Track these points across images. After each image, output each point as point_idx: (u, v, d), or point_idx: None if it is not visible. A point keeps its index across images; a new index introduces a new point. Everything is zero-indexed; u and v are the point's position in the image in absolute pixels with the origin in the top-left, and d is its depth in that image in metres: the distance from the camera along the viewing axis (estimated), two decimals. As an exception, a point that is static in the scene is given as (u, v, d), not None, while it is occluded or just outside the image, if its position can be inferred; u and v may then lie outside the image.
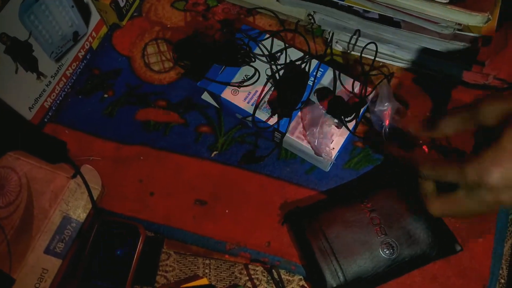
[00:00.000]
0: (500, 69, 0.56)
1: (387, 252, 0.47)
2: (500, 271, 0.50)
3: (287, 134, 0.51)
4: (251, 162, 0.54)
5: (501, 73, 0.56)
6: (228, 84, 0.53)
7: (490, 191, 0.37)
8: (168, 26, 0.62)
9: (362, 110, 0.52)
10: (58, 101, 0.57)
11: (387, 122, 0.51)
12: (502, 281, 0.50)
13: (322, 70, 0.54)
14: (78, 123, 0.57)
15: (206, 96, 0.57)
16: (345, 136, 0.51)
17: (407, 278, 0.49)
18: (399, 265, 0.47)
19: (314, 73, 0.54)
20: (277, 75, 0.54)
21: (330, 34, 0.59)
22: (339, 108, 0.51)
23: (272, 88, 0.53)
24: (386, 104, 0.51)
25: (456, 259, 0.50)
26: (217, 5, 0.63)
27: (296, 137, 0.51)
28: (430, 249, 0.47)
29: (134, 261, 0.48)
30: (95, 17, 0.57)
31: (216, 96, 0.54)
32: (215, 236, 0.52)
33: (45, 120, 0.56)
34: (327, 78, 0.54)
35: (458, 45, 0.53)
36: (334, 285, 0.46)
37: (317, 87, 0.53)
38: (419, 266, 0.48)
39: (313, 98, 0.53)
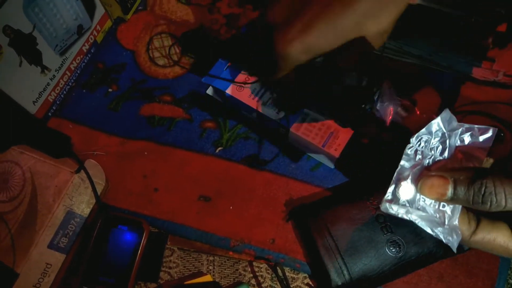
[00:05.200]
0: (510, 66, 0.55)
1: (393, 250, 0.46)
2: (509, 271, 0.49)
3: (293, 131, 0.50)
4: (254, 166, 0.54)
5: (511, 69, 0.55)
6: (233, 82, 0.52)
7: None
8: (173, 20, 0.62)
9: (367, 108, 0.51)
10: (62, 95, 0.56)
11: (387, 121, 0.50)
12: (511, 281, 0.49)
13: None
14: (82, 118, 0.56)
15: (210, 91, 0.57)
16: (351, 133, 0.50)
17: (414, 277, 0.48)
18: (405, 263, 0.46)
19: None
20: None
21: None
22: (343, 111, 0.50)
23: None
24: (386, 104, 0.50)
25: (463, 258, 0.49)
26: (223, -1, 0.63)
27: (301, 133, 0.50)
28: (437, 247, 0.47)
29: (137, 257, 0.48)
30: (99, 11, 0.57)
31: (221, 92, 0.54)
32: (219, 232, 0.51)
33: (49, 114, 0.55)
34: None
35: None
36: (339, 283, 0.46)
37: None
38: (426, 265, 0.47)
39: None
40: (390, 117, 0.51)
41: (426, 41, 0.56)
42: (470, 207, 0.27)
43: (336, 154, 0.49)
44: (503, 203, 0.25)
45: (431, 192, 0.27)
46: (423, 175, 0.28)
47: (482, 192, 0.26)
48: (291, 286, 0.49)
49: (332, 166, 0.53)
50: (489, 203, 0.26)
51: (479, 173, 0.26)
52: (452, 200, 0.27)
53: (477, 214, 0.29)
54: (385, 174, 0.52)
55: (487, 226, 0.29)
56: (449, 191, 0.27)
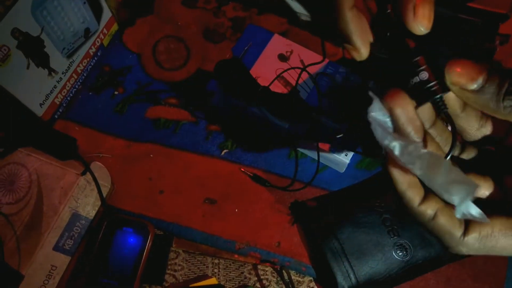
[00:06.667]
0: (517, 69, 0.55)
1: (400, 253, 0.46)
2: (517, 275, 0.48)
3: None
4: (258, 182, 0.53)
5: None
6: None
7: None
8: (179, 23, 0.62)
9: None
10: (68, 98, 0.56)
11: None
12: (519, 285, 0.48)
13: (333, 69, 0.53)
14: (88, 120, 0.56)
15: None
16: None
17: (421, 281, 0.48)
18: (412, 267, 0.46)
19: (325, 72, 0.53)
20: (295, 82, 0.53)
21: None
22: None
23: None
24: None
25: (471, 262, 0.49)
26: (228, 3, 0.63)
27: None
28: (444, 251, 0.46)
29: (142, 260, 0.48)
30: (106, 14, 0.57)
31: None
32: (225, 235, 0.51)
33: (56, 116, 0.56)
34: (339, 77, 0.53)
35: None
36: (346, 287, 0.45)
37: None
38: (433, 269, 0.47)
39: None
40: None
41: (432, 44, 0.56)
42: (492, 114, 0.23)
43: (346, 160, 0.49)
44: None
45: (461, 74, 0.23)
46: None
47: None
48: (297, 289, 0.49)
49: (342, 170, 0.53)
50: None
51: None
52: (478, 92, 0.23)
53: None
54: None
55: (479, 222, 0.24)
56: (481, 78, 0.22)
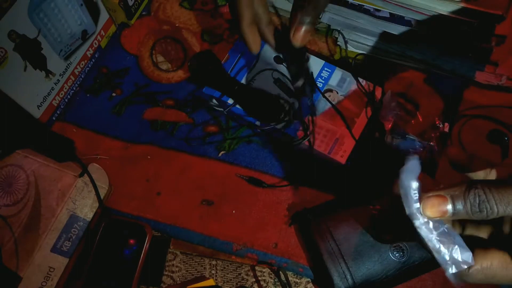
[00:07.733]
0: (513, 70, 0.55)
1: (396, 254, 0.46)
2: (513, 276, 0.48)
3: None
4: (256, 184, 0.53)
5: (515, 73, 0.55)
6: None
7: None
8: (177, 25, 0.62)
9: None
10: (66, 100, 0.57)
11: (388, 127, 0.51)
12: (515, 286, 0.48)
13: (330, 70, 0.54)
14: (86, 122, 0.57)
15: (214, 103, 0.56)
16: (357, 138, 0.50)
17: (418, 282, 0.48)
18: (409, 268, 0.46)
19: (321, 74, 0.53)
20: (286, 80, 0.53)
21: (340, 34, 0.58)
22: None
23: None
24: (387, 110, 0.50)
25: (467, 263, 0.49)
26: (225, 4, 0.63)
27: (306, 141, 0.50)
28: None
29: (140, 261, 0.48)
30: (104, 16, 0.57)
31: (224, 103, 0.54)
32: (222, 236, 0.51)
33: (54, 118, 0.56)
34: (334, 79, 0.53)
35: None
36: (343, 288, 0.46)
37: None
38: (430, 270, 0.47)
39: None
40: (390, 124, 0.51)
41: (429, 45, 0.56)
42: (471, 219, 0.28)
43: (342, 161, 0.49)
44: (495, 209, 0.27)
45: (433, 212, 0.28)
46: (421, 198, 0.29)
47: (477, 201, 0.27)
48: (294, 290, 0.49)
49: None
50: (485, 211, 0.27)
51: (471, 185, 0.28)
52: (454, 215, 0.28)
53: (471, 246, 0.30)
54: (388, 179, 0.52)
55: (481, 254, 0.29)
56: (449, 207, 0.28)
